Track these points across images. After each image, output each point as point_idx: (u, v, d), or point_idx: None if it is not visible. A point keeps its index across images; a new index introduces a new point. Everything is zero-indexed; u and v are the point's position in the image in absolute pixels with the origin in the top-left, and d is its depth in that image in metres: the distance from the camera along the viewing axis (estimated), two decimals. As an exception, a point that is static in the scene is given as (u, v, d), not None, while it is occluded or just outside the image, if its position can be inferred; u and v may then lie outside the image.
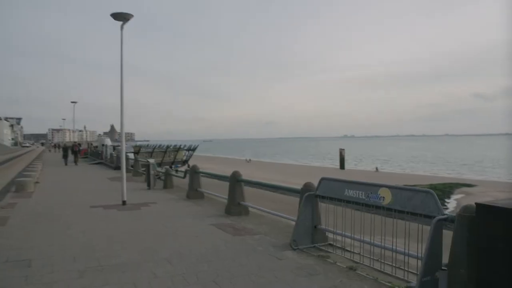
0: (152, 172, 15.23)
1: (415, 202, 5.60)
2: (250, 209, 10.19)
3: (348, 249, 6.91)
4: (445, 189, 51.23)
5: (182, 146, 41.70)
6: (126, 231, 8.41)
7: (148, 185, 15.41)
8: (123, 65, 12.16)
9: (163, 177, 16.58)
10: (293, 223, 8.77)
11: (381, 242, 6.16)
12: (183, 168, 43.16)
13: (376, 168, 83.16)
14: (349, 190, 6.65)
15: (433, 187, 51.62)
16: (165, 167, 35.85)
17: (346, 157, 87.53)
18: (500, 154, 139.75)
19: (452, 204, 42.14)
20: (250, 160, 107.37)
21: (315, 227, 7.39)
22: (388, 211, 6.03)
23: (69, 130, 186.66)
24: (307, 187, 7.55)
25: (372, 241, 6.28)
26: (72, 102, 56.08)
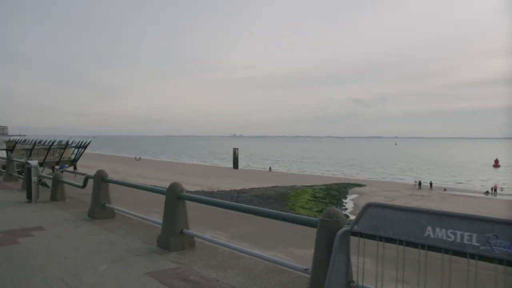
0: (34, 178, 10.67)
1: None
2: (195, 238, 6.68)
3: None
4: (340, 189, 51.69)
5: (70, 143, 35.11)
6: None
7: (29, 196, 10.79)
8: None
9: (44, 181, 12.12)
10: (273, 265, 5.59)
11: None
12: (71, 168, 36.90)
13: (270, 168, 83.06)
14: (439, 229, 3.59)
15: (329, 187, 51.93)
16: (47, 167, 29.83)
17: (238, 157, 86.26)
18: (376, 155, 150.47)
19: (349, 205, 42.17)
20: (139, 158, 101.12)
21: (349, 283, 4.23)
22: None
23: None
24: (332, 216, 4.30)
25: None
26: None
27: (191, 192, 36.55)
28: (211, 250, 6.49)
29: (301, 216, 4.88)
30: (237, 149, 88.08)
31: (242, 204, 5.65)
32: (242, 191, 42.50)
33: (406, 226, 3.78)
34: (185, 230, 6.46)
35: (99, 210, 8.66)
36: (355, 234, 4.14)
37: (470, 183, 62.22)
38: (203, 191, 42.28)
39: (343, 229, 4.12)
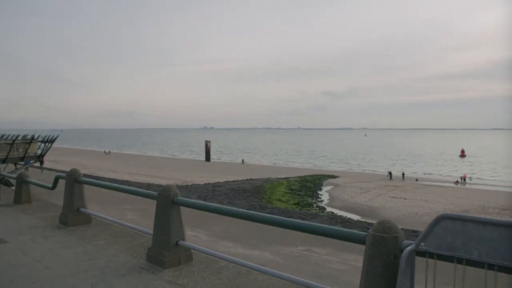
0: (-6, 178, 9.24)
1: None
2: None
3: None
4: (314, 181, 51.21)
5: (36, 137, 32.62)
6: None
7: (-12, 199, 9.37)
8: None
9: (7, 179, 10.71)
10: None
11: None
12: (38, 164, 34.70)
13: (242, 160, 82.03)
14: (553, 252, 2.67)
15: (303, 179, 51.41)
16: (11, 163, 27.84)
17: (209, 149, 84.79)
18: (346, 146, 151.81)
19: (325, 197, 41.62)
20: (109, 152, 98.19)
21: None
22: None
23: None
24: (388, 230, 3.30)
25: None
26: None
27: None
28: (211, 263, 5.42)
29: (342, 230, 3.82)
30: (209, 141, 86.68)
31: (259, 213, 4.60)
32: (217, 185, 41.39)
33: (500, 245, 2.83)
34: (180, 242, 5.35)
35: (73, 215, 7.39)
36: (421, 253, 3.18)
37: (439, 173, 63.09)
38: (176, 185, 40.90)
39: (409, 247, 3.13)
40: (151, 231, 5.63)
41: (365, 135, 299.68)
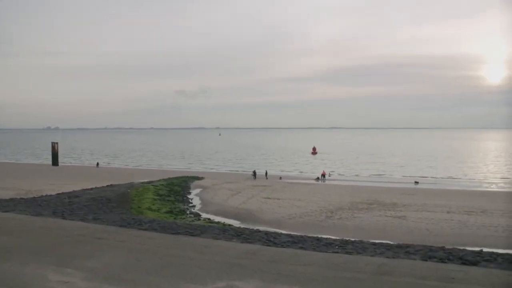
0: None
1: None
2: None
3: None
4: (181, 184, 47.24)
5: None
6: None
7: None
8: None
9: None
10: None
11: None
12: None
13: (97, 164, 73.72)
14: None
15: (169, 182, 47.03)
16: None
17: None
18: (203, 146, 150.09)
19: (196, 201, 38.22)
20: None
21: None
22: None
23: None
24: None
25: None
26: None
27: (2, 200, 27.43)
28: None
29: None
30: (57, 143, 75.95)
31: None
32: (74, 194, 34.64)
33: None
34: None
35: None
36: None
37: (298, 170, 65.06)
38: (20, 198, 33.01)
39: None
40: None
41: (220, 135, 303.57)
